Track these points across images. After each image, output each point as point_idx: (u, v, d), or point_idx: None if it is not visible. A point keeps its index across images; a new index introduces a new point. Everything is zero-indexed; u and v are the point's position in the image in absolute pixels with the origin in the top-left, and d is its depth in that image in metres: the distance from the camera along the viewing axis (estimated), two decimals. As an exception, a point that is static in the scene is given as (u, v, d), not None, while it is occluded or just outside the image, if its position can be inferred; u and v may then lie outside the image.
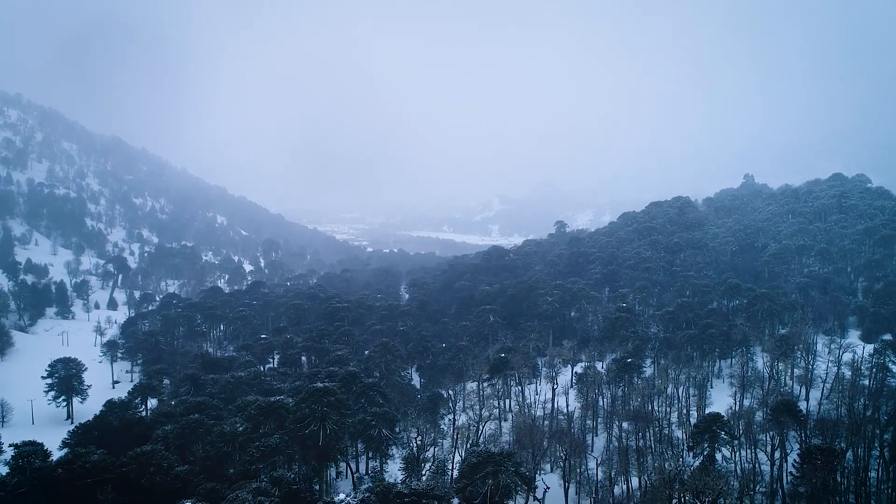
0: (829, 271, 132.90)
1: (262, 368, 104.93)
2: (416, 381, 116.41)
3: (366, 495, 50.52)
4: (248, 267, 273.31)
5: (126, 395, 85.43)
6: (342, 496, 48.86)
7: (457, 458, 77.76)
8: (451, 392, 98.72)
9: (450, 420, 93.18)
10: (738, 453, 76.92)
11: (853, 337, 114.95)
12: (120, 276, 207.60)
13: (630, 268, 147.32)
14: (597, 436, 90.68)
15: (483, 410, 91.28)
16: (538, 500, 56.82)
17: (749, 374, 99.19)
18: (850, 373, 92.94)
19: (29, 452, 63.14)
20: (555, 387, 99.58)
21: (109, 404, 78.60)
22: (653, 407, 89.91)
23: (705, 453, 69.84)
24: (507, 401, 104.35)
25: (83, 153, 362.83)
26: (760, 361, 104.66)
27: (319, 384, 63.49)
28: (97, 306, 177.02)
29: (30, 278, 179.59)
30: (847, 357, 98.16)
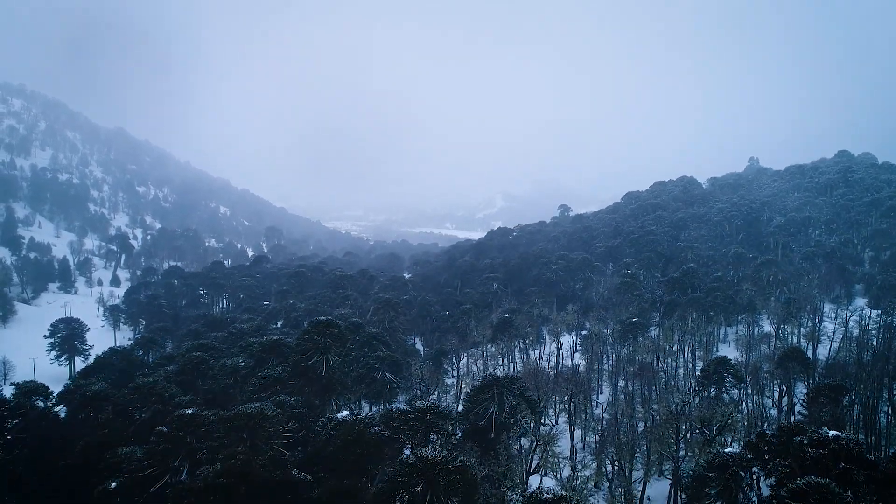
0: (836, 242, 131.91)
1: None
2: (419, 347, 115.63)
3: (369, 414, 49.89)
4: (250, 252, 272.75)
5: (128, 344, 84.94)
6: (345, 413, 48.12)
7: (460, 408, 77.14)
8: (455, 352, 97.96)
9: (453, 378, 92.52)
10: (744, 403, 76.37)
11: (860, 304, 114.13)
12: (123, 257, 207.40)
13: (634, 241, 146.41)
14: (601, 393, 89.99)
15: (488, 369, 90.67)
16: (544, 425, 56.02)
17: (756, 335, 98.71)
18: (857, 331, 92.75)
19: (30, 389, 62.60)
20: (559, 346, 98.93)
21: (112, 350, 78.09)
22: (659, 362, 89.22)
23: (712, 395, 69.17)
24: (512, 364, 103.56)
25: (86, 142, 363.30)
26: (767, 327, 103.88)
27: (322, 318, 62.86)
28: (100, 283, 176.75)
29: (32, 255, 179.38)
30: (854, 320, 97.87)
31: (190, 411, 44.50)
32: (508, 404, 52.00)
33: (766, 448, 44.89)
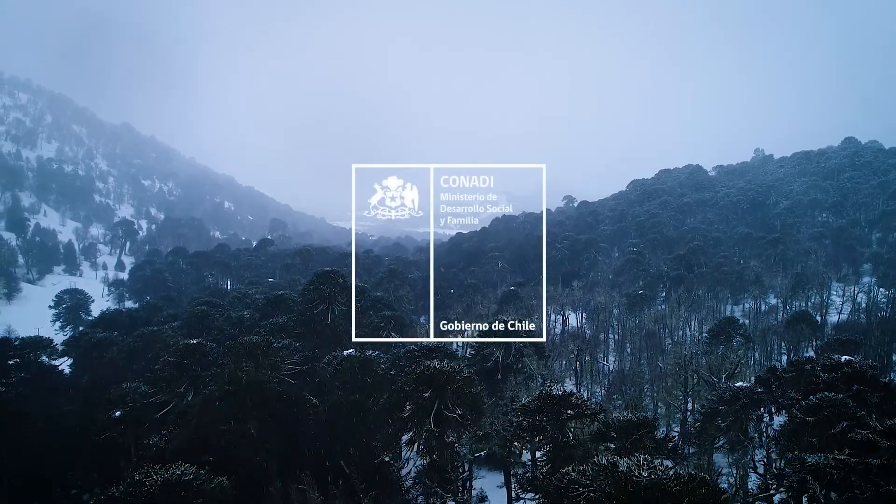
0: (843, 223, 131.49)
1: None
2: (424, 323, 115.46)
3: (376, 353, 49.58)
4: (255, 245, 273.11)
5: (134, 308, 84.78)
6: (350, 351, 47.82)
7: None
8: (460, 321, 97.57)
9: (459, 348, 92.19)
10: (752, 369, 75.92)
11: (868, 282, 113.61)
12: (128, 243, 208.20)
13: (639, 224, 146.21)
14: (607, 363, 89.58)
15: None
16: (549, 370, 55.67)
17: (762, 310, 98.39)
18: (865, 302, 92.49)
19: (33, 340, 62.37)
20: (565, 317, 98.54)
21: (117, 311, 77.94)
22: (666, 329, 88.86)
23: (720, 354, 68.79)
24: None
25: (92, 136, 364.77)
26: (774, 300, 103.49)
27: (328, 268, 62.68)
28: (104, 267, 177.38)
29: (38, 239, 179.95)
30: (863, 293, 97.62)
31: (194, 341, 44.27)
32: (515, 346, 51.64)
33: (776, 383, 44.45)
